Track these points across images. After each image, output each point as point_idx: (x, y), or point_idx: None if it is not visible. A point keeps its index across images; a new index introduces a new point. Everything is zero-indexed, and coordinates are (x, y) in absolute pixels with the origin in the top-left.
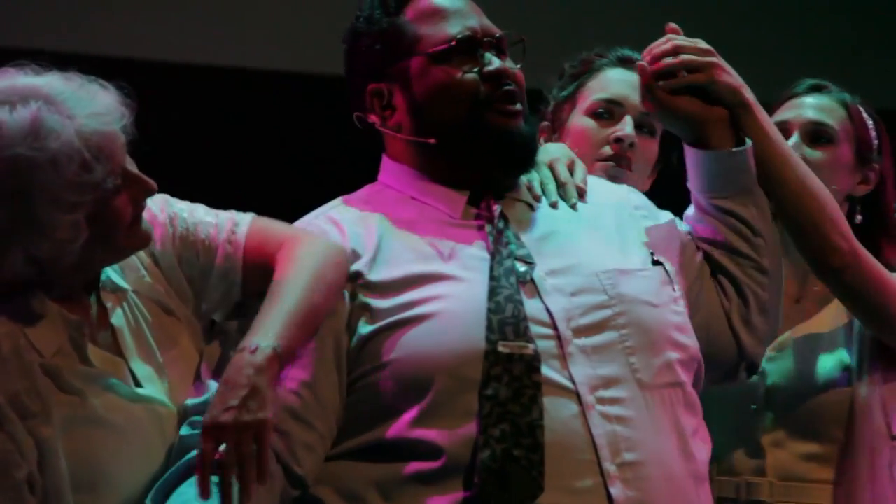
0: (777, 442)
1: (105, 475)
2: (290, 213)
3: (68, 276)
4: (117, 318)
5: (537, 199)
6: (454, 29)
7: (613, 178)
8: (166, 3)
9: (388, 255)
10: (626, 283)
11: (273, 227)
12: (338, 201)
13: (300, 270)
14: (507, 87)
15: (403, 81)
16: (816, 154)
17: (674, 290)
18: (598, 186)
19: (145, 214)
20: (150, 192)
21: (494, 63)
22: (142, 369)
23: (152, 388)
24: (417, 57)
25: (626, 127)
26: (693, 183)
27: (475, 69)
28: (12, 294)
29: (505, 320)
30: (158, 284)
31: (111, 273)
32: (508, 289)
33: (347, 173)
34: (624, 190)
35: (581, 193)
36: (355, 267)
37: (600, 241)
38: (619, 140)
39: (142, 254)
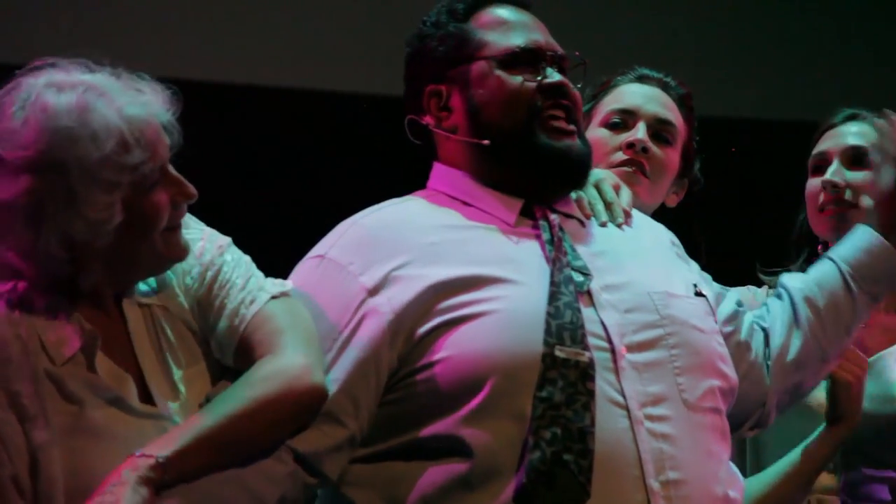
0: (852, 462)
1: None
2: (312, 228)
3: (101, 271)
4: (138, 330)
5: (587, 218)
6: (519, 39)
7: (628, 185)
8: (203, 22)
9: (443, 256)
10: (676, 305)
11: (275, 325)
12: (410, 196)
13: (243, 396)
14: (564, 102)
15: (463, 83)
16: (858, 176)
17: (715, 321)
18: (640, 216)
19: (196, 248)
20: (190, 198)
21: (554, 77)
22: (156, 384)
23: (164, 403)
24: (480, 61)
25: (638, 132)
26: (846, 252)
27: (536, 78)
28: (37, 294)
29: (563, 325)
30: (188, 306)
31: (143, 287)
32: (568, 296)
33: (375, 189)
34: (661, 226)
35: (627, 215)
36: (406, 271)
37: (648, 263)
38: (630, 145)
39: (180, 278)
